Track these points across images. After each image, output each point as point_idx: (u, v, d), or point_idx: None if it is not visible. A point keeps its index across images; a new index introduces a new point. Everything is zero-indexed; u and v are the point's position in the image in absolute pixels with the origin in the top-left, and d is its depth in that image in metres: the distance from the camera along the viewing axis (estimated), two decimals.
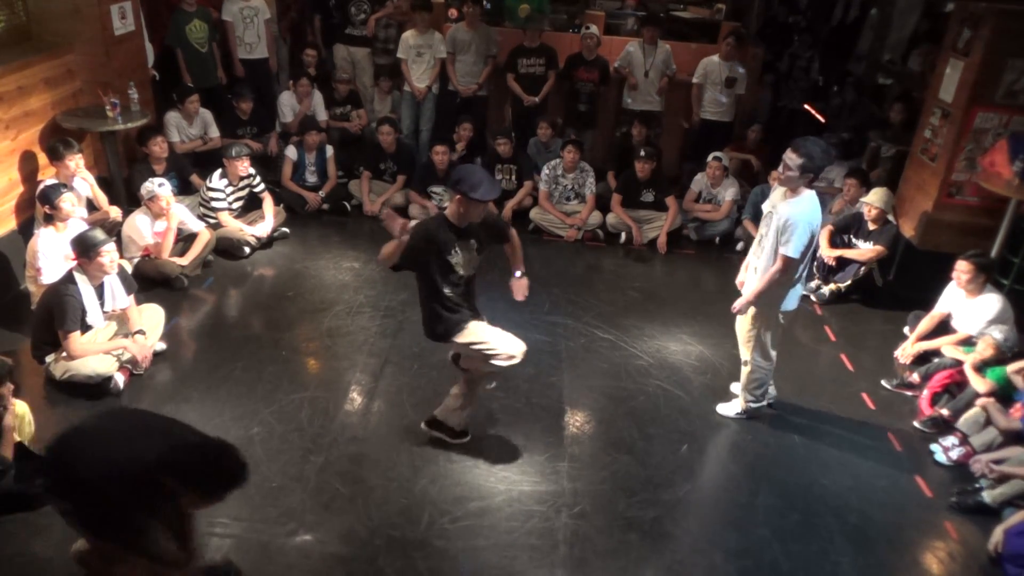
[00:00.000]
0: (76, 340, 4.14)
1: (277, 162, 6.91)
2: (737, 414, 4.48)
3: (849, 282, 5.82)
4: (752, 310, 4.10)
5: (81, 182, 5.26)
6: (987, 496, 3.86)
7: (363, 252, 6.12)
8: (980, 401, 4.31)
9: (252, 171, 6.12)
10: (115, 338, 4.40)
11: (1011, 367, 4.32)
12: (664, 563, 3.51)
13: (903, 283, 6.01)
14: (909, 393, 4.82)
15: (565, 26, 8.09)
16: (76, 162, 5.19)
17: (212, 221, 5.91)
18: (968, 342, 4.74)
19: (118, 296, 4.44)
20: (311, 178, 6.84)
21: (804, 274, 4.05)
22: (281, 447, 3.96)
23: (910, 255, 6.00)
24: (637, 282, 6.05)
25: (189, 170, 6.29)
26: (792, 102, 9.01)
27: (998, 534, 3.60)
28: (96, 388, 4.21)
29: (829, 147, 3.90)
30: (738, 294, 4.39)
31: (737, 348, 4.47)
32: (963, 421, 4.32)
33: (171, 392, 4.38)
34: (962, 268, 4.75)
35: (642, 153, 6.52)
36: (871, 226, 5.78)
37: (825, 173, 6.66)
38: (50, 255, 4.63)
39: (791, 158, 3.76)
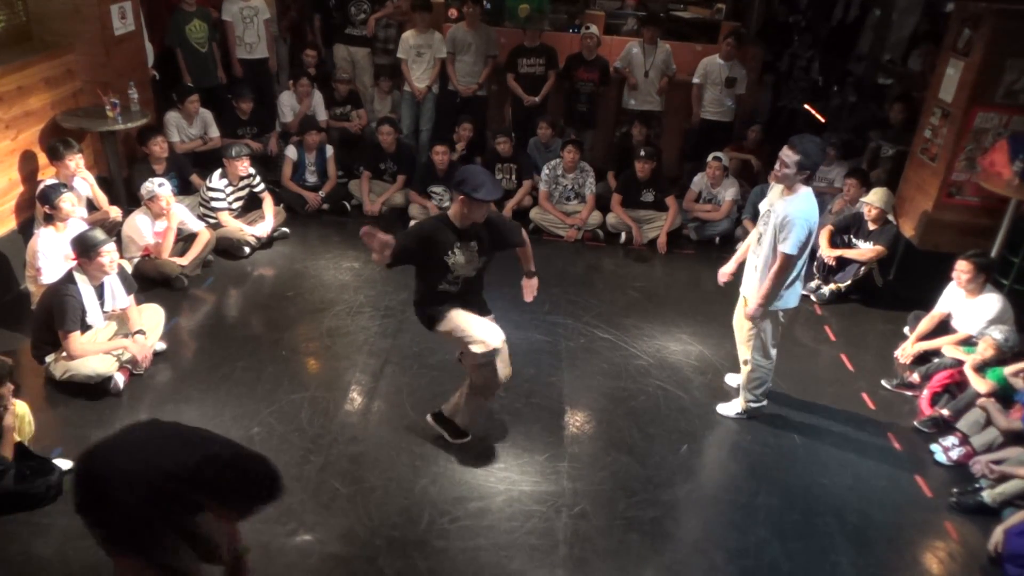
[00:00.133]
0: (76, 340, 4.14)
1: (277, 162, 6.91)
2: (737, 414, 4.48)
3: (849, 282, 5.82)
4: (752, 308, 4.10)
5: (81, 182, 5.26)
6: (987, 496, 3.86)
7: (363, 252, 6.11)
8: (980, 402, 4.31)
9: (252, 171, 6.12)
10: (115, 338, 4.40)
11: (1008, 369, 4.32)
12: (664, 563, 3.51)
13: (903, 283, 6.01)
14: (909, 393, 4.83)
15: (565, 26, 8.08)
16: (76, 162, 5.19)
17: (212, 221, 5.91)
18: (968, 342, 4.74)
19: (118, 296, 4.43)
20: (311, 178, 6.84)
21: (803, 272, 4.06)
22: (281, 447, 3.95)
23: (910, 255, 6.00)
24: (637, 282, 6.05)
25: (189, 170, 6.28)
26: (792, 102, 9.00)
27: (998, 534, 3.60)
28: (96, 388, 4.21)
29: (824, 144, 3.92)
30: (737, 294, 4.40)
31: (737, 348, 4.48)
32: (963, 421, 4.32)
33: (171, 392, 4.38)
34: (962, 268, 4.75)
35: (642, 153, 6.52)
36: (871, 226, 5.78)
37: (825, 173, 6.71)
38: (50, 255, 4.63)
39: (788, 155, 3.79)
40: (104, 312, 4.40)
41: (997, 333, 4.43)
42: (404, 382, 4.59)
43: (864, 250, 5.79)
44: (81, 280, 4.20)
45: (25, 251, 4.81)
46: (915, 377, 4.84)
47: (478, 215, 3.57)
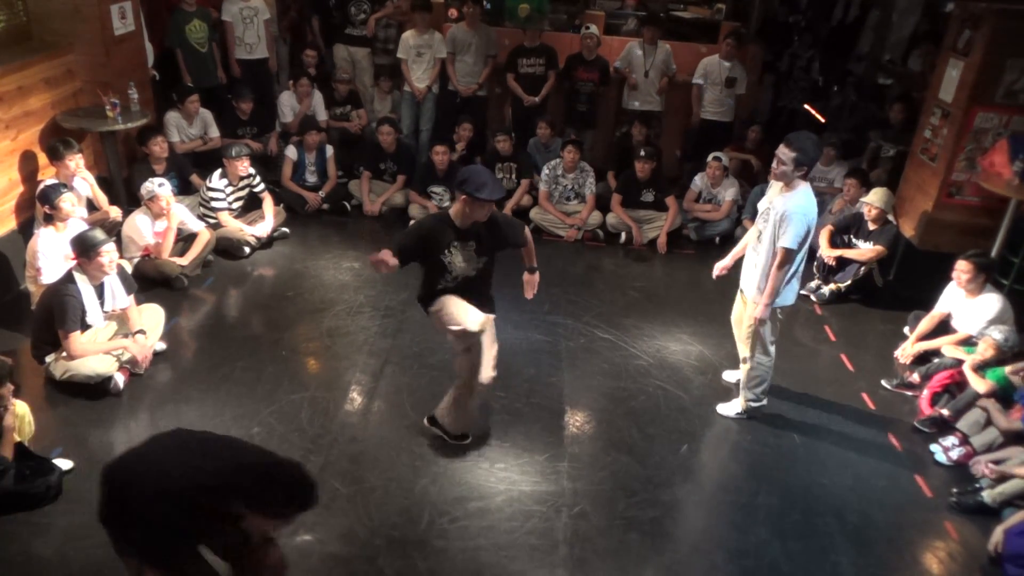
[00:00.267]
0: (76, 340, 4.14)
1: (277, 162, 6.91)
2: (737, 414, 4.48)
3: (849, 282, 5.82)
4: (752, 306, 4.11)
5: (81, 182, 5.26)
6: (987, 496, 3.86)
7: (363, 252, 6.12)
8: (981, 402, 4.31)
9: (252, 171, 6.12)
10: (115, 338, 4.40)
11: (1009, 368, 4.32)
12: (664, 563, 3.51)
13: (903, 283, 6.01)
14: (909, 393, 4.83)
15: (565, 26, 8.09)
16: (76, 162, 5.19)
17: (212, 221, 5.91)
18: (968, 342, 4.74)
19: (118, 296, 4.44)
20: (311, 178, 6.84)
21: (801, 270, 4.08)
22: (281, 447, 3.94)
23: (910, 255, 6.00)
24: (637, 282, 6.05)
25: (189, 170, 6.28)
26: (792, 102, 9.00)
27: (998, 534, 3.60)
28: (96, 388, 4.21)
29: (820, 141, 3.96)
30: (735, 294, 4.40)
31: (736, 348, 4.48)
32: (963, 421, 4.31)
33: (171, 392, 4.38)
34: (962, 268, 4.75)
35: (642, 153, 6.52)
36: (871, 226, 5.78)
37: (825, 173, 6.71)
38: (50, 255, 4.63)
39: (784, 153, 3.84)
40: (104, 312, 4.40)
41: (997, 333, 4.43)
42: (404, 382, 4.59)
43: (864, 250, 5.78)
44: (81, 280, 4.20)
45: (25, 251, 4.82)
46: (915, 377, 4.84)
47: (480, 215, 3.58)
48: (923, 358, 4.92)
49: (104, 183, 5.67)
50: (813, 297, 5.88)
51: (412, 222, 6.39)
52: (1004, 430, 4.15)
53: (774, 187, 4.07)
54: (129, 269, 5.10)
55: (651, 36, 7.20)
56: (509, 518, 3.66)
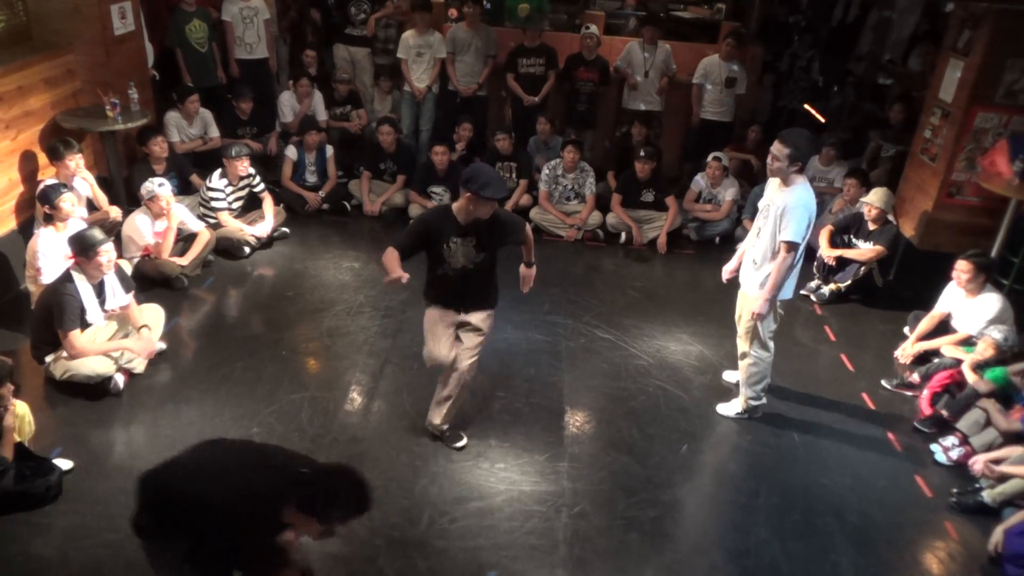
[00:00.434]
0: (76, 339, 4.13)
1: (277, 162, 6.91)
2: (738, 414, 4.48)
3: (849, 282, 5.82)
4: (753, 301, 4.12)
5: (81, 182, 5.26)
6: (987, 496, 3.86)
7: (363, 252, 6.12)
8: (981, 402, 4.30)
9: (252, 171, 6.12)
10: (115, 337, 4.40)
11: (1012, 368, 4.32)
12: (664, 563, 3.51)
13: (903, 283, 6.01)
14: (909, 393, 4.83)
15: (565, 26, 8.09)
16: (76, 162, 5.19)
17: (212, 221, 5.91)
18: (968, 342, 4.74)
19: (117, 294, 4.43)
20: (311, 178, 6.84)
21: (800, 263, 4.10)
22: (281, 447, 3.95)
23: (910, 255, 6.00)
24: (637, 282, 6.05)
25: (189, 170, 6.28)
26: (792, 102, 9.00)
27: (998, 534, 3.60)
28: (96, 388, 4.21)
29: (813, 136, 4.00)
30: (734, 294, 4.40)
31: (736, 348, 4.48)
32: (963, 421, 4.31)
33: (171, 392, 4.37)
34: (962, 268, 4.75)
35: (642, 153, 6.52)
36: (871, 226, 5.78)
37: (825, 173, 6.72)
38: (50, 255, 4.63)
39: (778, 149, 3.89)
40: (105, 311, 4.39)
41: (996, 333, 4.43)
42: (404, 382, 4.59)
43: (864, 250, 5.78)
44: (79, 279, 4.19)
45: (25, 251, 4.81)
46: (915, 377, 4.84)
47: (483, 212, 3.60)
48: (923, 358, 4.92)
49: (104, 183, 5.67)
50: (813, 297, 5.87)
51: (412, 221, 6.44)
52: (1004, 431, 4.15)
53: (772, 183, 4.11)
54: (129, 269, 5.10)
55: (651, 36, 7.20)
56: (509, 518, 3.66)
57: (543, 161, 6.94)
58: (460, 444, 4.08)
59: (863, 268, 5.79)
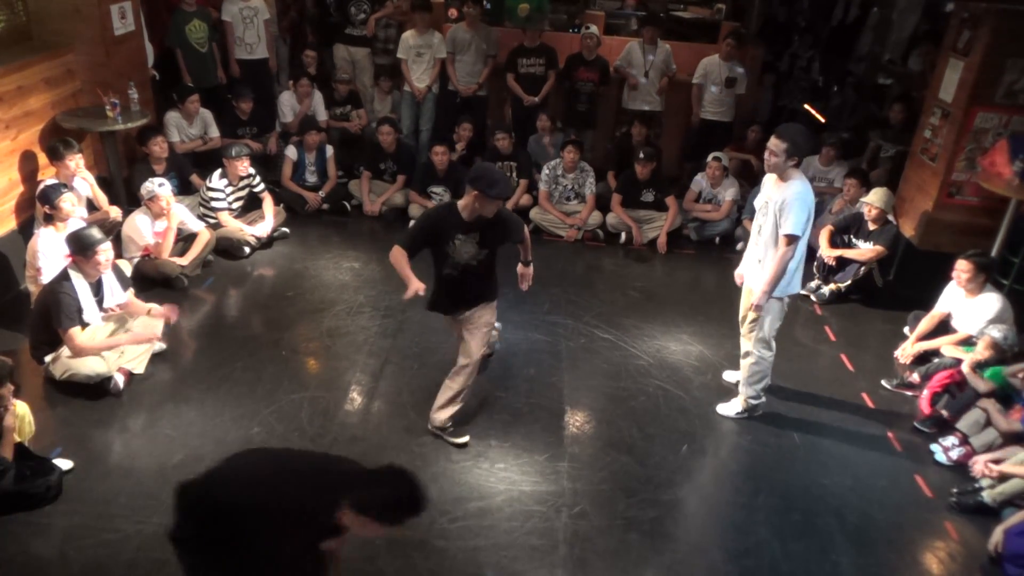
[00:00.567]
0: (77, 336, 4.12)
1: (277, 162, 6.91)
2: (738, 414, 4.48)
3: (849, 282, 5.82)
4: (758, 297, 4.12)
5: (81, 182, 5.26)
6: (987, 496, 3.86)
7: (363, 252, 6.12)
8: (981, 402, 4.31)
9: (252, 171, 6.12)
10: (114, 335, 4.39)
11: (1008, 370, 4.32)
12: (664, 563, 3.51)
13: (903, 283, 6.01)
14: (909, 393, 4.82)
15: (565, 26, 8.09)
16: (76, 162, 5.19)
17: (212, 221, 5.91)
18: (968, 342, 4.74)
19: (115, 292, 4.44)
20: (311, 178, 6.84)
21: (803, 257, 4.13)
22: (281, 447, 3.94)
23: (910, 255, 6.00)
24: (637, 282, 6.05)
25: (189, 170, 6.28)
26: (792, 102, 9.00)
27: (998, 534, 3.60)
28: (96, 388, 4.21)
29: (809, 132, 4.09)
30: (739, 292, 4.41)
31: (738, 349, 4.48)
32: (963, 421, 4.31)
33: (171, 392, 4.37)
34: (962, 267, 4.75)
35: (641, 155, 6.51)
36: (871, 226, 5.78)
37: (825, 173, 6.72)
38: (50, 255, 4.63)
39: (775, 144, 3.91)
40: (102, 310, 4.39)
41: (995, 332, 4.43)
42: (404, 382, 4.59)
43: (864, 250, 5.78)
44: (76, 277, 4.19)
45: (25, 251, 4.81)
46: (915, 377, 4.84)
47: (488, 211, 3.70)
48: (923, 358, 4.92)
49: (104, 183, 5.67)
50: (813, 297, 5.87)
51: (412, 221, 6.44)
52: (1004, 431, 4.15)
53: (768, 181, 4.12)
54: (129, 269, 5.10)
55: (651, 36, 7.20)
56: (509, 518, 3.66)
57: (542, 161, 6.93)
58: (463, 440, 4.10)
59: (863, 268, 5.79)
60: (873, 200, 5.72)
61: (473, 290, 3.94)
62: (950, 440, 4.28)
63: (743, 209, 6.66)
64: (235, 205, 6.07)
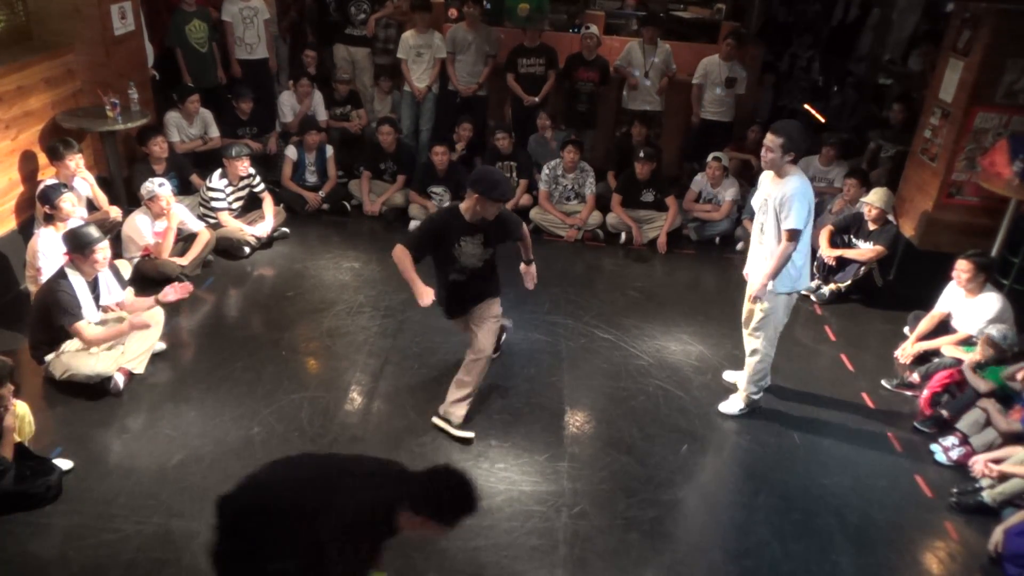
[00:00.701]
0: (85, 329, 4.10)
1: (277, 162, 6.91)
2: (740, 410, 4.48)
3: (849, 282, 5.82)
4: (756, 287, 4.13)
5: (81, 182, 5.26)
6: (987, 496, 3.86)
7: (363, 252, 6.12)
8: (980, 402, 4.31)
9: (252, 171, 6.12)
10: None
11: (1005, 372, 4.32)
12: (664, 563, 3.51)
13: (903, 283, 6.01)
14: (909, 393, 4.82)
15: (565, 26, 8.09)
16: (76, 162, 5.18)
17: (212, 221, 5.91)
18: (968, 342, 4.74)
19: (112, 290, 4.43)
20: (311, 178, 6.84)
21: (809, 251, 4.15)
22: (281, 447, 3.94)
23: (910, 255, 6.00)
24: (637, 282, 6.05)
25: (189, 170, 6.28)
26: (792, 102, 9.00)
27: (998, 534, 3.60)
28: (96, 388, 4.21)
29: (804, 127, 4.09)
30: (739, 292, 4.41)
31: (738, 349, 4.48)
32: (963, 421, 4.31)
33: (171, 392, 4.37)
34: (962, 267, 4.75)
35: (641, 155, 6.51)
36: (871, 226, 5.78)
37: (825, 173, 6.71)
38: (50, 255, 4.62)
39: (771, 140, 3.92)
40: (99, 307, 4.38)
41: (995, 332, 4.43)
42: (404, 382, 4.59)
43: (864, 250, 5.78)
44: (73, 275, 4.17)
45: (25, 251, 4.81)
46: (915, 377, 4.84)
47: (490, 213, 3.79)
48: (923, 358, 4.92)
49: (104, 183, 5.67)
50: (813, 297, 5.87)
51: (412, 223, 6.45)
52: (1004, 431, 4.15)
53: (765, 179, 4.13)
54: (129, 269, 5.10)
55: (651, 36, 7.20)
56: (509, 518, 3.66)
57: (542, 160, 6.93)
58: (469, 435, 4.12)
59: (863, 268, 5.79)
60: (873, 200, 5.72)
61: (479, 289, 4.07)
62: (950, 440, 4.28)
63: (743, 209, 6.67)
64: (235, 205, 6.07)
